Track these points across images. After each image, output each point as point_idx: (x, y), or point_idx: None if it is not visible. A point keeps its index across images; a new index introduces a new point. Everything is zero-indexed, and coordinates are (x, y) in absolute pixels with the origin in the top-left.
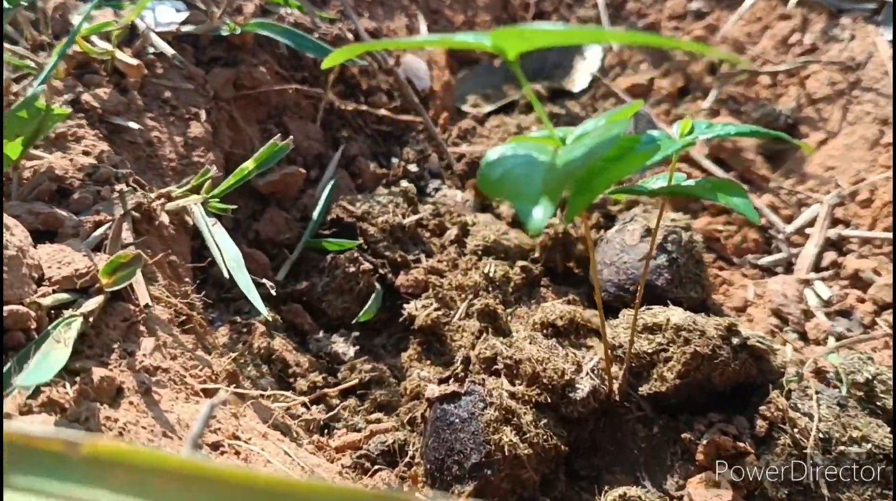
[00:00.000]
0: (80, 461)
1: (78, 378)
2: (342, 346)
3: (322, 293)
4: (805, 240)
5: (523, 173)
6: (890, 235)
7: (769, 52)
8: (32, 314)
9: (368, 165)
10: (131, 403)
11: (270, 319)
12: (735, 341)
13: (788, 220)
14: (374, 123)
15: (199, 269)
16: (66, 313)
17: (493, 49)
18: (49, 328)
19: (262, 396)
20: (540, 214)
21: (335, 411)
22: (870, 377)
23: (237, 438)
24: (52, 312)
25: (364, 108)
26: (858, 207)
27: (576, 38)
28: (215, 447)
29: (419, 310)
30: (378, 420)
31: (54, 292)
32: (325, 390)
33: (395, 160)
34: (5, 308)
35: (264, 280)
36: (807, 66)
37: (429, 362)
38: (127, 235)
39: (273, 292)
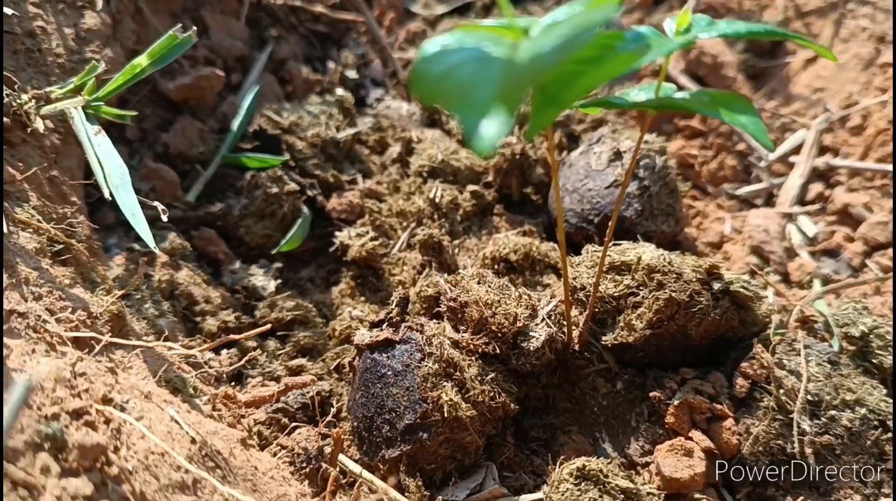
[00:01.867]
0: None
1: None
2: (261, 279)
3: (239, 217)
4: (789, 169)
5: (472, 73)
6: (884, 166)
7: None
8: None
9: (300, 70)
10: None
11: (158, 251)
12: (716, 286)
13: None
14: (308, 21)
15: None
16: None
17: None
18: None
19: (148, 344)
20: (492, 130)
21: (250, 356)
22: (866, 331)
23: (109, 402)
24: None
25: (298, 3)
26: (849, 134)
27: None
28: (78, 415)
29: (353, 239)
30: (300, 368)
31: None
32: (239, 331)
33: (331, 65)
34: None
35: (160, 210)
36: None
37: (363, 298)
38: None
39: (183, 215)
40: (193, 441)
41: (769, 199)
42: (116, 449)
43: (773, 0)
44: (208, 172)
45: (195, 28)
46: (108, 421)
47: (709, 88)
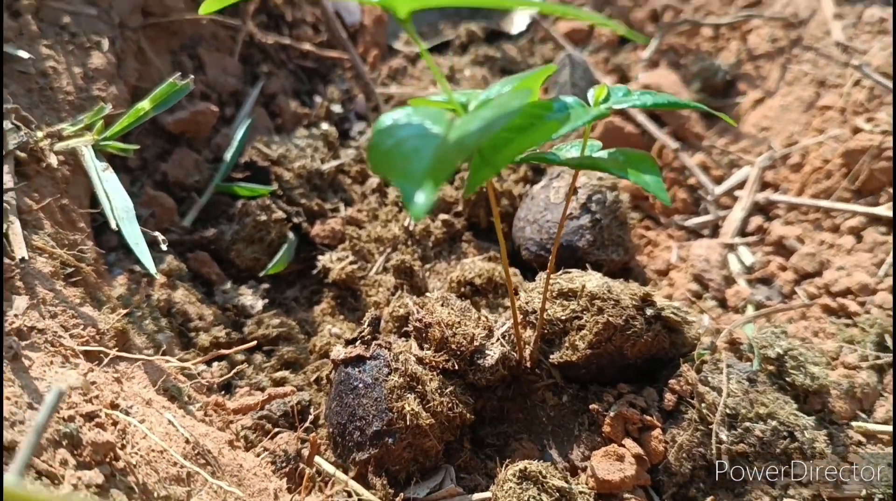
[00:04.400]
0: None
1: None
2: (250, 298)
3: (231, 242)
4: (734, 202)
5: (412, 148)
6: (817, 202)
7: (714, 3)
8: None
9: (289, 104)
10: None
11: (158, 275)
12: (649, 312)
13: (719, 180)
14: (297, 58)
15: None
16: None
17: (381, 5)
18: None
19: (150, 357)
20: (422, 199)
21: (238, 368)
22: (781, 353)
23: (116, 407)
24: None
25: (287, 41)
26: (789, 171)
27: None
28: (90, 417)
29: (334, 263)
30: (283, 379)
31: None
32: (229, 346)
33: (318, 99)
34: None
35: (159, 240)
36: (749, 19)
37: (342, 317)
38: (8, 178)
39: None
40: (187, 441)
41: (715, 229)
42: (123, 447)
43: (727, 43)
44: (203, 199)
45: (192, 76)
46: (115, 423)
47: (665, 125)
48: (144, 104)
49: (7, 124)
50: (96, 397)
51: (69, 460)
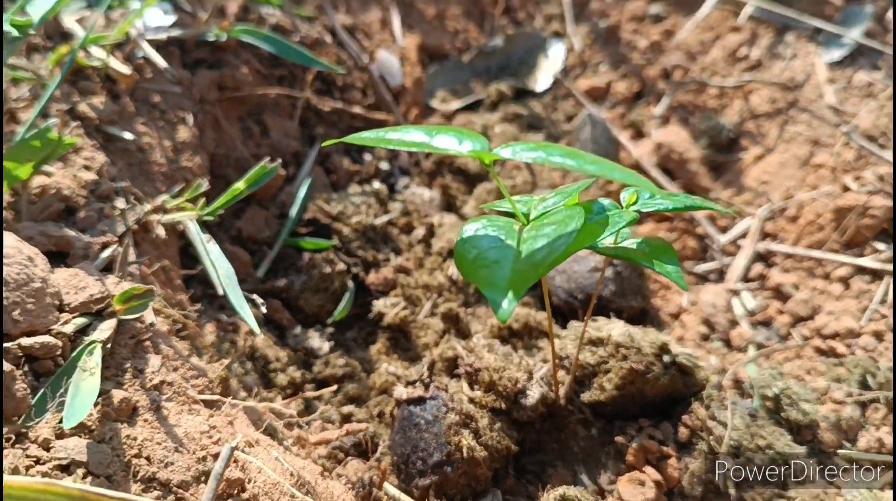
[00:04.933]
0: None
1: (100, 400)
2: (317, 341)
3: (300, 291)
4: (737, 251)
5: (494, 259)
6: (810, 252)
7: (719, 63)
8: (59, 344)
9: (342, 162)
10: (146, 420)
11: (260, 333)
12: (666, 358)
13: (724, 230)
14: (348, 119)
15: (184, 265)
16: (86, 339)
17: (471, 156)
18: (73, 355)
19: (251, 401)
20: (507, 305)
21: (312, 403)
22: (778, 392)
23: (235, 448)
24: (73, 335)
25: (340, 105)
26: (786, 222)
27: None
28: (216, 457)
29: (388, 308)
30: (350, 414)
31: (73, 317)
32: (305, 386)
33: (367, 157)
34: (36, 339)
35: (258, 303)
36: (750, 82)
37: (396, 356)
38: (131, 253)
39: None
40: (292, 474)
41: (721, 275)
42: (247, 481)
43: (731, 101)
44: (273, 252)
45: (280, 161)
46: (236, 461)
47: (676, 178)
48: (240, 185)
49: (122, 201)
50: (219, 439)
51: (207, 493)
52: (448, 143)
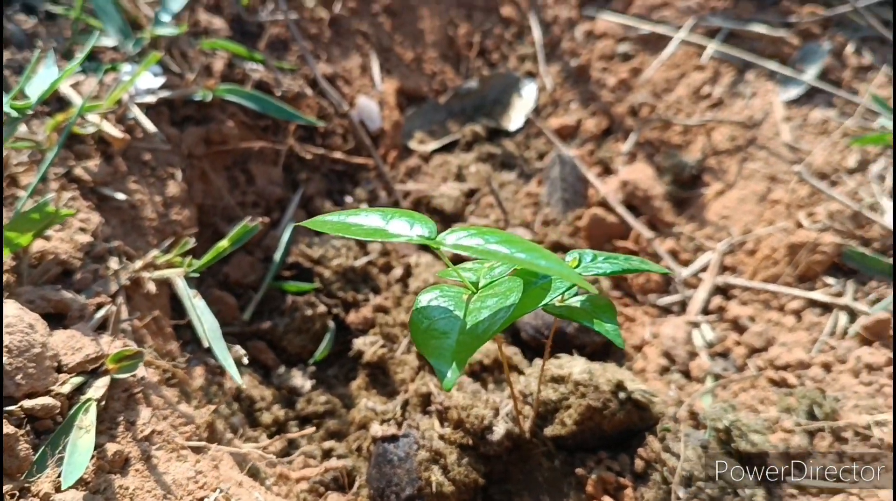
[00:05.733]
0: None
1: (95, 453)
2: (300, 380)
3: (283, 333)
4: (699, 283)
5: (441, 331)
6: (766, 285)
7: (684, 101)
8: (58, 404)
9: (324, 204)
10: (137, 470)
11: (244, 384)
12: (622, 395)
13: (686, 263)
14: (329, 163)
15: (175, 313)
16: (82, 397)
17: (420, 242)
18: (70, 413)
19: (236, 442)
20: (450, 375)
21: (294, 440)
22: (728, 425)
23: (220, 490)
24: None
25: (321, 151)
26: (745, 255)
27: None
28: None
29: (367, 346)
30: (330, 449)
31: (70, 377)
32: (288, 423)
33: (348, 199)
34: (37, 401)
35: (241, 355)
36: (712, 120)
37: (375, 391)
38: (124, 310)
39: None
40: None
41: (683, 307)
42: None
43: (695, 137)
44: (257, 296)
45: (259, 220)
46: None
47: (640, 214)
48: (224, 243)
49: (115, 261)
50: (205, 483)
51: None
52: (400, 228)
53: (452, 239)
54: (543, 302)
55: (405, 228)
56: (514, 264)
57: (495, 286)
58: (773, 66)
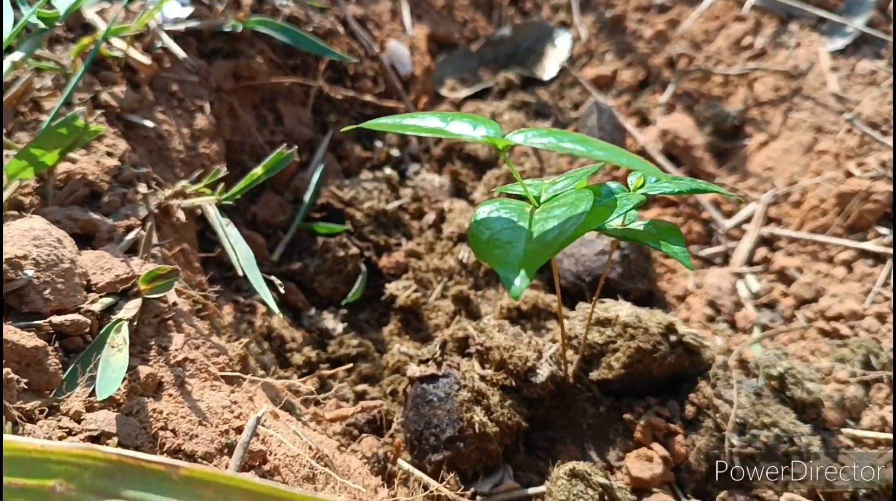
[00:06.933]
0: (179, 480)
1: (127, 375)
2: (331, 322)
3: (314, 274)
4: (742, 235)
5: (507, 240)
6: (814, 236)
7: (724, 52)
8: (88, 321)
9: (354, 149)
10: (170, 395)
11: (279, 313)
12: (672, 338)
13: (729, 215)
14: (359, 107)
15: (202, 248)
16: (113, 317)
17: (484, 142)
18: (101, 332)
19: (268, 379)
20: (519, 282)
21: (327, 382)
22: (782, 372)
23: (259, 418)
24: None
25: (351, 94)
26: (790, 207)
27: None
28: (240, 431)
29: (400, 291)
30: (364, 392)
31: (101, 297)
32: (319, 365)
33: (378, 144)
34: (66, 317)
35: (276, 284)
36: (755, 70)
37: (408, 337)
38: (154, 236)
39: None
40: (311, 447)
41: (725, 259)
42: (268, 453)
43: (735, 89)
44: (287, 237)
45: (295, 147)
46: (257, 434)
47: (681, 165)
48: (258, 171)
49: (144, 187)
50: (241, 414)
51: (230, 464)
52: (462, 129)
53: (521, 138)
54: (610, 219)
55: (468, 128)
56: (593, 160)
57: (561, 198)
58: (820, 13)
